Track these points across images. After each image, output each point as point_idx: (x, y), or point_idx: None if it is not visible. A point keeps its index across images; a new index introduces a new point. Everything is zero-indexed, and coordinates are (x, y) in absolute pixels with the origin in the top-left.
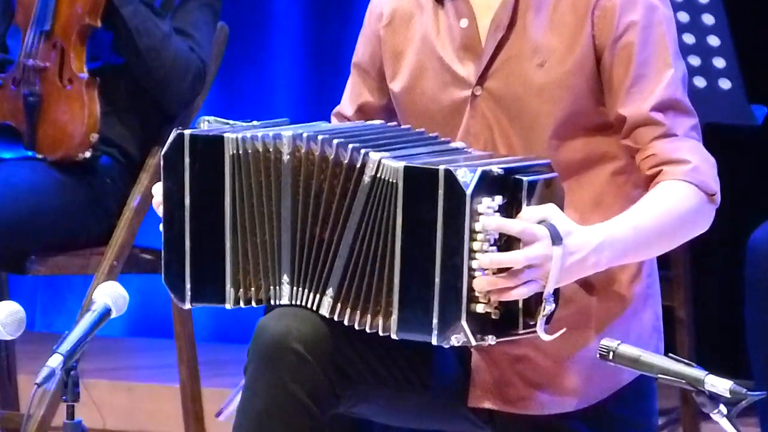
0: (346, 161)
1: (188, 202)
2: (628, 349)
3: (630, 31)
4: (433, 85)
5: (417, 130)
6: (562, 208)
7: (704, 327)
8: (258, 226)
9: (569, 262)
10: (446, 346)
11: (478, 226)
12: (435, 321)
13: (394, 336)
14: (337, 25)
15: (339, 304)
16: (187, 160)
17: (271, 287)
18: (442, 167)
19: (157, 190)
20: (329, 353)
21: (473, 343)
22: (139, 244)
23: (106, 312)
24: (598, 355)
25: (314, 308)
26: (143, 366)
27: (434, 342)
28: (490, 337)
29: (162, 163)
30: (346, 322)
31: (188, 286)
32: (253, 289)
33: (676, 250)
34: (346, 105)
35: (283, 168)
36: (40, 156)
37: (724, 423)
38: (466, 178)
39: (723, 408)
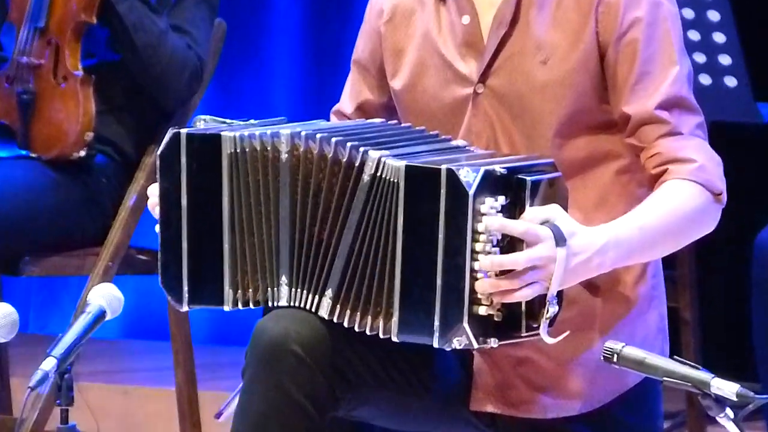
0: (345, 160)
1: (185, 202)
2: (632, 352)
3: (634, 27)
4: (435, 83)
5: (418, 128)
6: (565, 207)
7: (710, 327)
8: (256, 226)
9: (573, 263)
10: (448, 349)
11: (480, 227)
12: (436, 323)
13: (394, 338)
14: (336, 22)
15: (338, 306)
16: (183, 159)
17: (270, 288)
18: (444, 166)
19: (153, 191)
20: (328, 355)
21: (475, 345)
22: (135, 244)
23: (101, 314)
24: (602, 358)
25: (313, 310)
26: (139, 369)
27: (435, 345)
28: (492, 339)
29: (158, 162)
30: (345, 324)
31: (185, 287)
32: (251, 290)
33: (682, 250)
34: (346, 103)
35: (281, 167)
36: (34, 155)
37: (731, 427)
38: (469, 177)
39: (729, 411)
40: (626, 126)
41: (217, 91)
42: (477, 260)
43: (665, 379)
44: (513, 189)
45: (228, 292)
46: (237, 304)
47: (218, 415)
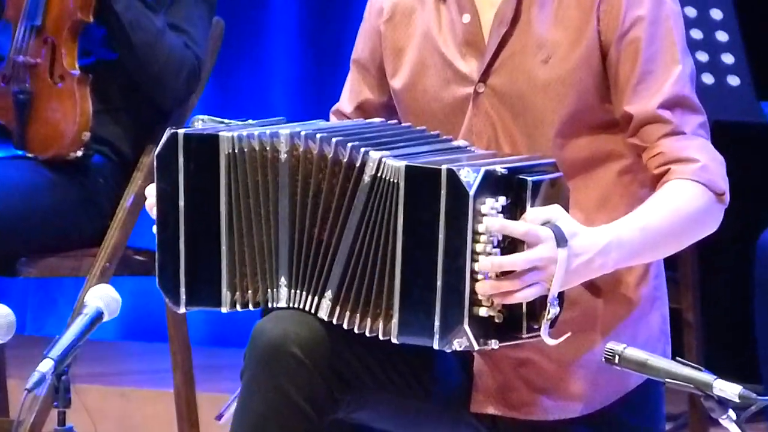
0: (345, 160)
1: (182, 203)
2: (634, 353)
3: (637, 26)
4: (435, 82)
5: (418, 128)
6: (567, 208)
7: (713, 328)
8: (254, 227)
9: (575, 264)
10: (448, 351)
11: (481, 228)
12: (437, 325)
13: (394, 340)
14: (336, 21)
15: (338, 307)
16: (181, 159)
17: (269, 290)
18: (444, 167)
19: (150, 192)
20: (327, 357)
21: (476, 347)
22: (132, 245)
23: (98, 315)
24: (603, 359)
25: (312, 311)
26: (136, 371)
27: (436, 346)
28: (493, 341)
29: (155, 163)
30: (345, 326)
31: (183, 289)
32: (249, 291)
33: (684, 251)
34: (345, 102)
35: (280, 167)
36: (30, 155)
37: (733, 428)
38: (469, 178)
39: (732, 413)
40: (628, 126)
41: (215, 91)
42: (477, 261)
43: (667, 380)
44: (514, 189)
45: (226, 293)
46: (235, 306)
47: (219, 417)
